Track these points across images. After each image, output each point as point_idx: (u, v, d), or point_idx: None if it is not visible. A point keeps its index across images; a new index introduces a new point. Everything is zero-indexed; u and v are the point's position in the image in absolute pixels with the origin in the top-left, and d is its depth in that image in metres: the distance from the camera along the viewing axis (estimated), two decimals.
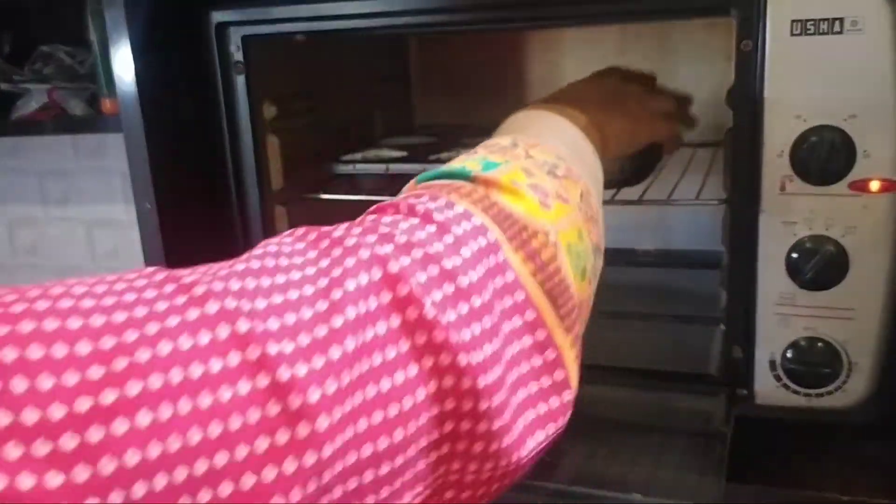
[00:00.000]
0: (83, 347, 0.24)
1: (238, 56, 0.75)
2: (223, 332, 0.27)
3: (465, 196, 0.39)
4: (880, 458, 0.65)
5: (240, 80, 0.76)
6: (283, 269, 0.31)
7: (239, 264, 0.31)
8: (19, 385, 0.23)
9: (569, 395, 0.39)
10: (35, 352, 0.23)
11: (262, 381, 0.27)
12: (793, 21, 0.57)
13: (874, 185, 0.57)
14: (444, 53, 1.12)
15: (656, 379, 0.67)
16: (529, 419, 0.37)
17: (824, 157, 0.57)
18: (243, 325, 0.27)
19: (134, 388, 0.24)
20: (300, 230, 0.35)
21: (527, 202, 0.41)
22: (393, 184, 0.85)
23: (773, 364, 0.63)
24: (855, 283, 0.59)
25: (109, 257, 1.42)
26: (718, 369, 0.66)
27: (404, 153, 0.87)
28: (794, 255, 0.60)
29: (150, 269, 0.30)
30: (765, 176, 0.60)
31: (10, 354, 0.23)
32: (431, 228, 0.36)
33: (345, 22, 0.71)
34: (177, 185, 0.77)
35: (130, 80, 0.72)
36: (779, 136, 0.59)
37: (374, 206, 0.40)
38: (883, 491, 0.60)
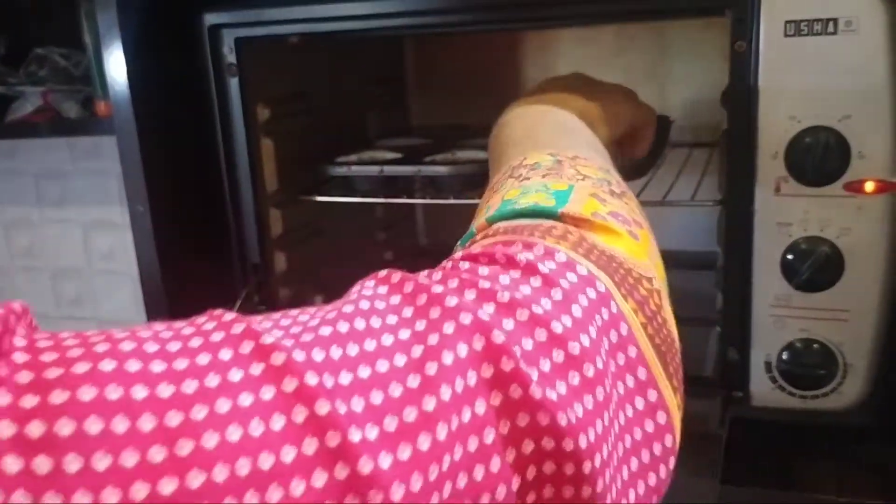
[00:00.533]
0: (146, 423, 0.22)
1: (231, 58, 0.74)
2: (299, 415, 0.24)
3: (561, 239, 0.36)
4: (876, 460, 0.65)
5: (233, 83, 0.75)
6: (373, 333, 0.28)
7: (325, 326, 0.28)
8: (73, 464, 0.21)
9: (672, 462, 0.35)
10: (93, 426, 0.21)
11: (341, 473, 0.24)
12: (787, 22, 0.56)
13: (869, 186, 0.57)
14: (440, 54, 1.11)
15: None
16: (638, 493, 0.33)
17: (819, 158, 0.57)
18: (322, 407, 0.25)
19: (196, 480, 0.22)
20: (395, 277, 0.32)
21: (624, 241, 0.38)
22: (388, 185, 0.86)
23: (768, 366, 0.62)
24: (850, 284, 0.59)
25: (106, 259, 1.41)
26: (714, 371, 0.66)
27: (399, 155, 0.87)
28: (790, 257, 0.60)
29: (229, 316, 0.27)
30: (759, 177, 0.60)
31: (66, 428, 0.21)
32: (536, 282, 0.32)
33: (339, 24, 0.71)
34: (171, 188, 0.76)
35: (123, 83, 0.72)
36: (773, 136, 0.59)
37: (463, 254, 0.35)
38: (878, 493, 0.60)
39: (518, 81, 1.06)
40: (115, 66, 0.71)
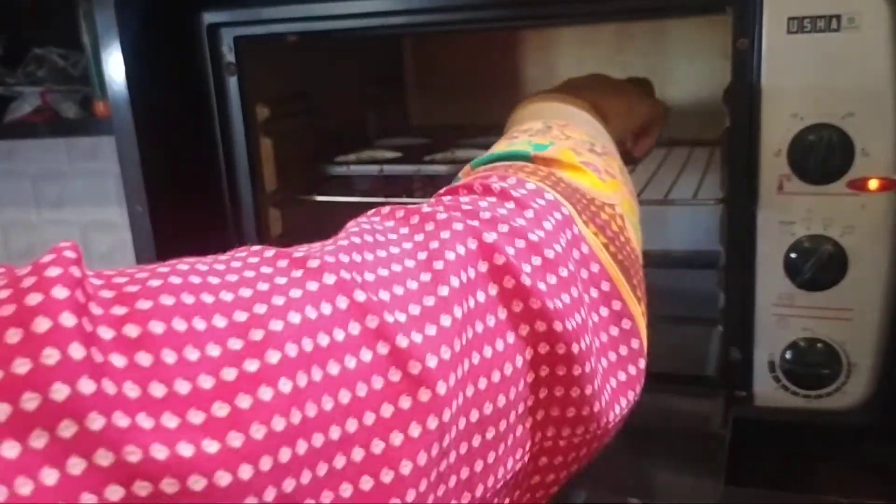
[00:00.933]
0: (219, 321, 0.25)
1: (230, 57, 0.74)
2: (342, 302, 0.28)
3: (532, 174, 0.40)
4: (879, 460, 0.64)
5: (232, 82, 0.75)
6: (382, 245, 0.32)
7: (341, 240, 0.32)
8: (169, 357, 0.23)
9: (643, 363, 0.39)
10: (179, 325, 0.24)
11: (383, 349, 0.28)
12: (789, 18, 0.56)
13: (873, 184, 0.56)
14: (439, 54, 1.11)
15: (654, 381, 0.66)
16: (613, 385, 0.37)
17: (822, 155, 0.56)
18: (360, 296, 0.28)
19: (274, 357, 0.25)
20: (385, 209, 0.36)
21: (589, 177, 0.42)
22: (387, 185, 0.85)
23: (771, 365, 0.62)
24: (854, 283, 0.58)
25: (104, 260, 1.41)
26: (717, 371, 0.66)
27: (399, 154, 0.86)
28: (793, 255, 0.59)
29: (258, 247, 0.30)
30: (762, 175, 0.59)
31: (158, 327, 0.24)
32: (510, 205, 0.36)
33: (337, 22, 0.71)
34: (169, 188, 0.76)
35: (121, 82, 0.71)
36: (776, 134, 0.58)
37: (445, 189, 0.40)
38: (882, 493, 0.60)
39: (518, 81, 1.06)
40: (114, 66, 0.71)
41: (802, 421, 0.63)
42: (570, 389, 0.34)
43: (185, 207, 0.78)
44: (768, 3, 0.57)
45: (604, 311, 0.38)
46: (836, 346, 0.60)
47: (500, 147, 0.46)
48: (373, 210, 0.37)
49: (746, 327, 0.62)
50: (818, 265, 0.58)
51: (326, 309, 0.27)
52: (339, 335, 0.27)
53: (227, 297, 0.26)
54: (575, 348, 0.34)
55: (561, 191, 0.39)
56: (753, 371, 0.63)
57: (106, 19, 0.70)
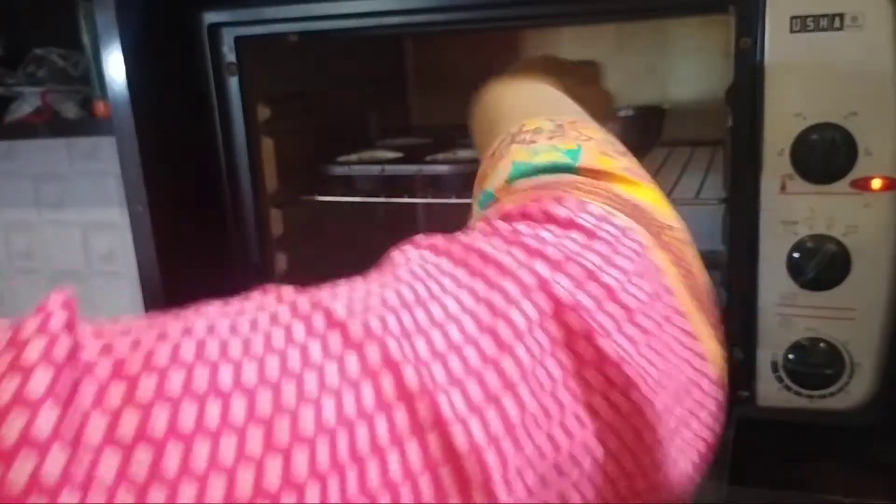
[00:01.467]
0: (238, 408, 0.21)
1: (231, 57, 0.74)
2: (388, 383, 0.23)
3: (589, 193, 0.34)
4: (883, 460, 0.64)
5: (233, 82, 0.75)
6: (436, 298, 0.27)
7: (388, 291, 0.27)
8: (172, 460, 0.19)
9: (722, 416, 0.34)
10: (187, 416, 0.20)
11: (434, 443, 0.23)
12: (792, 18, 0.56)
13: (876, 184, 0.56)
14: (440, 53, 1.11)
15: None
16: (687, 444, 0.32)
17: (825, 155, 0.56)
18: (410, 375, 0.23)
19: (301, 465, 0.21)
20: (438, 241, 0.31)
21: (643, 190, 0.37)
22: (389, 185, 0.85)
23: (774, 365, 0.62)
24: (857, 282, 0.58)
25: (105, 260, 1.41)
26: None
27: (400, 154, 0.86)
28: (796, 255, 0.59)
29: (289, 290, 0.26)
30: (765, 175, 0.59)
31: (160, 420, 0.20)
32: (578, 236, 0.31)
33: (338, 22, 0.71)
34: (170, 188, 0.76)
35: (122, 83, 0.71)
36: (779, 134, 0.58)
37: (495, 210, 0.34)
38: (886, 493, 0.60)
39: None
40: (114, 66, 0.71)
41: (806, 421, 0.62)
42: (640, 458, 0.29)
43: (186, 207, 0.78)
44: (771, 3, 0.56)
45: (682, 352, 0.32)
46: (839, 345, 0.60)
47: (522, 154, 0.40)
48: (421, 236, 0.31)
49: (749, 327, 0.62)
50: (821, 265, 0.58)
51: (368, 394, 0.23)
52: (382, 427, 0.22)
53: (250, 374, 0.22)
54: (650, 412, 0.28)
55: (629, 212, 0.34)
56: (756, 371, 0.63)
57: (106, 19, 0.70)
